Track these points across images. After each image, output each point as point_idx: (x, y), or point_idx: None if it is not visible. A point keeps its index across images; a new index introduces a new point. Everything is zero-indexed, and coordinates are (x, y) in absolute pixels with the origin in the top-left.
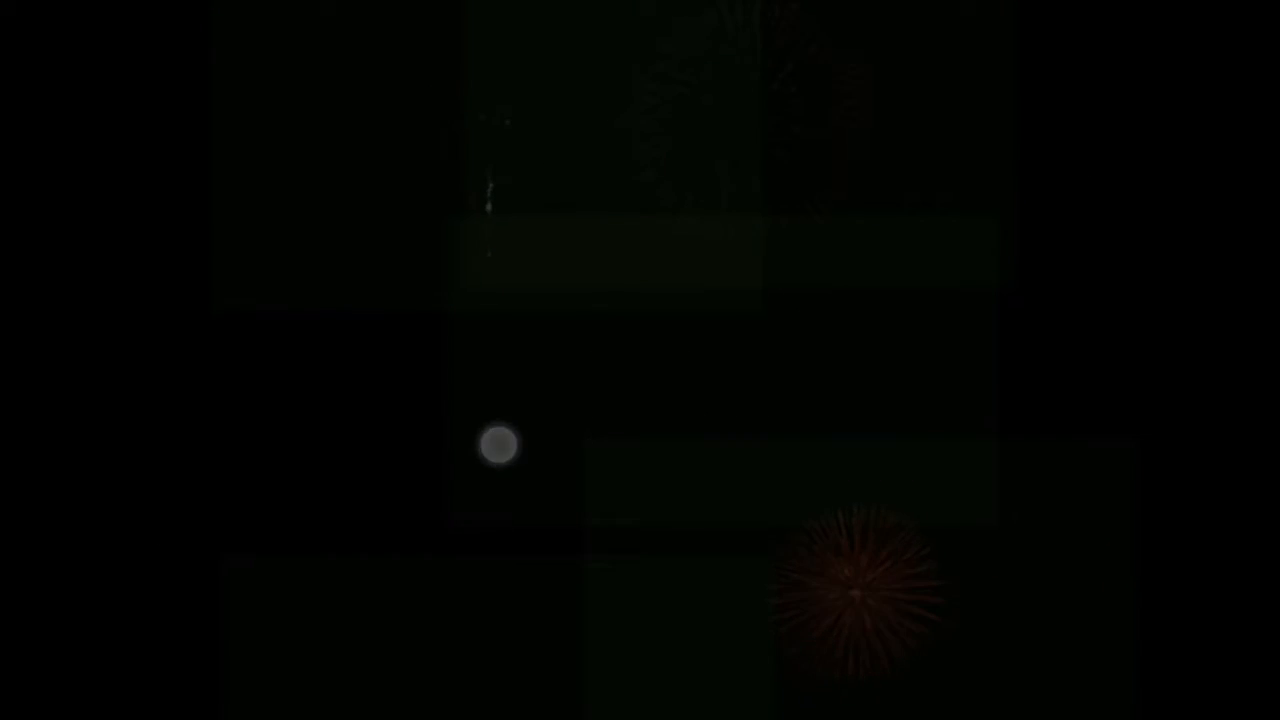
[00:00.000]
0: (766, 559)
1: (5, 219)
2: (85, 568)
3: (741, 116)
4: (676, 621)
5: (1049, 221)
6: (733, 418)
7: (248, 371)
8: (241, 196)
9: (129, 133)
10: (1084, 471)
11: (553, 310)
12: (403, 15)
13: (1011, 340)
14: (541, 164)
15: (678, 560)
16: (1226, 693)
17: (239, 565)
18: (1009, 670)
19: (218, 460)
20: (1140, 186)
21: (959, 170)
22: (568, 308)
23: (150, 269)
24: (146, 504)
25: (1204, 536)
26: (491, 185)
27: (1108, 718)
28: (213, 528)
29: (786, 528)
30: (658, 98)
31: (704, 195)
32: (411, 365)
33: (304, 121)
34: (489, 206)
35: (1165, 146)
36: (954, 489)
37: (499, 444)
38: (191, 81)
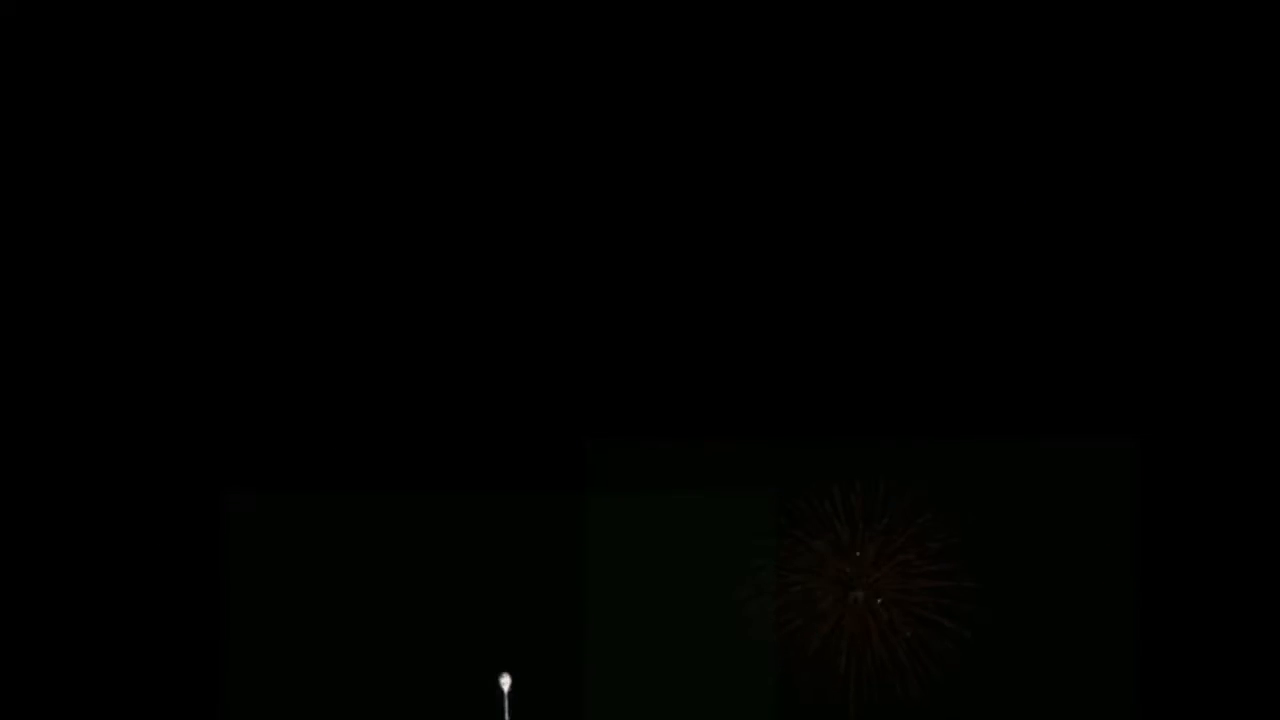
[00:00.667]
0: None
1: None
2: (88, 506)
3: None
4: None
5: (1049, 229)
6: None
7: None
8: None
9: None
10: (1084, 471)
11: None
12: None
13: (1011, 341)
14: None
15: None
16: (1226, 692)
17: (240, 502)
18: (1008, 669)
19: (219, 398)
20: (1139, 188)
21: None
22: None
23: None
24: (149, 443)
25: (1204, 536)
26: None
27: (1108, 718)
28: (214, 466)
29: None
30: None
31: None
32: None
33: None
34: None
35: (1153, 135)
36: (954, 489)
37: None
38: None
